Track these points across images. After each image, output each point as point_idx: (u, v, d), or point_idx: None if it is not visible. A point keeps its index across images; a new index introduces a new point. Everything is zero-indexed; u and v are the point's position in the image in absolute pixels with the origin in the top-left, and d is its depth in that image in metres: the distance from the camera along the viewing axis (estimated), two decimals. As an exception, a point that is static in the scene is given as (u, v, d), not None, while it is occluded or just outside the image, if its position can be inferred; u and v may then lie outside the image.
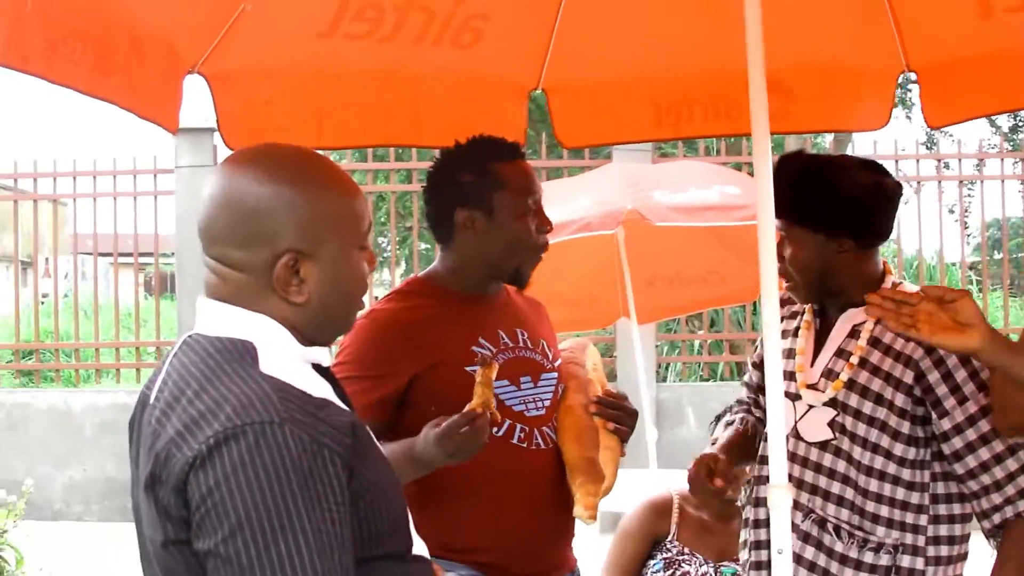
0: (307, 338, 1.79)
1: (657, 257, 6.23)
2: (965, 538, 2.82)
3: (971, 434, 2.70)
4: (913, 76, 3.64)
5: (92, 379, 10.51)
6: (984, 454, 2.69)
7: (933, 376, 2.72)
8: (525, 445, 2.85)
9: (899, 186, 2.90)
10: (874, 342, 2.81)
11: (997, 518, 2.70)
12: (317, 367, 1.82)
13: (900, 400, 2.75)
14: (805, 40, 3.53)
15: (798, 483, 2.84)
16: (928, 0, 3.39)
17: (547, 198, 5.81)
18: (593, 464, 2.81)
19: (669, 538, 3.78)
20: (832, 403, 2.83)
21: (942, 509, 2.79)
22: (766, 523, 2.78)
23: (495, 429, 2.78)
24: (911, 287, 2.86)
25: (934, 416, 2.73)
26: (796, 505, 2.80)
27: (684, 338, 10.29)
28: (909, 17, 3.44)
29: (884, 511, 2.77)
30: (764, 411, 2.90)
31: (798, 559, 2.81)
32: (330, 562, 1.56)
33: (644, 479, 5.36)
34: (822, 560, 2.81)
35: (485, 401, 2.55)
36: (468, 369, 2.74)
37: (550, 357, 3.02)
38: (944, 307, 2.45)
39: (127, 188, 9.88)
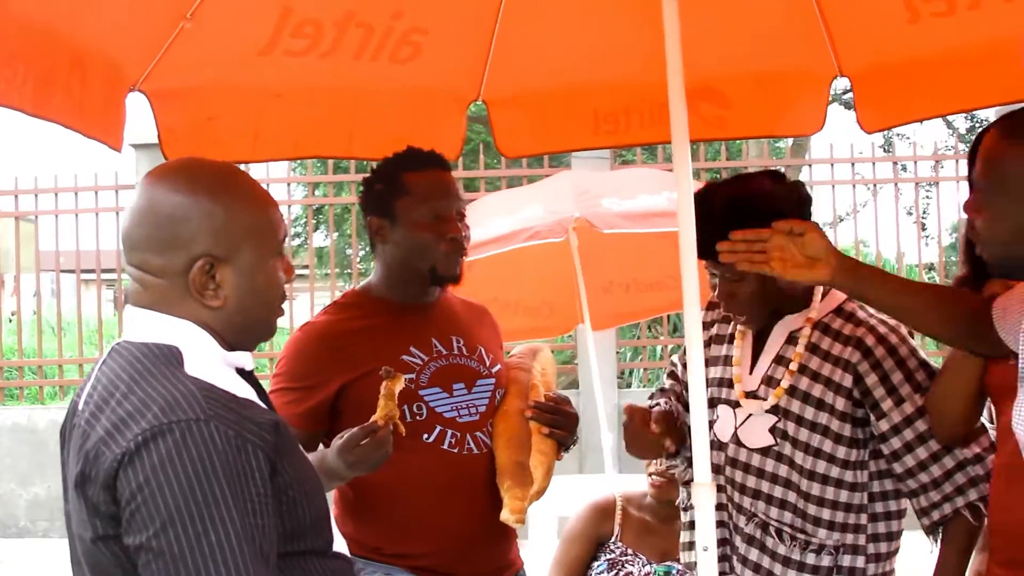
0: (228, 343, 1.86)
1: (612, 263, 6.28)
2: (900, 534, 2.89)
3: (908, 434, 2.77)
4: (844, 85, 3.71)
5: (57, 396, 10.49)
6: (922, 453, 2.76)
7: (871, 379, 2.78)
8: (456, 450, 2.90)
9: (804, 187, 2.95)
10: (812, 348, 2.86)
11: (936, 515, 2.78)
12: (241, 372, 1.89)
13: (841, 404, 2.81)
14: (740, 48, 3.60)
15: (741, 488, 2.90)
16: (858, 6, 3.45)
17: (499, 207, 5.86)
18: (522, 468, 2.85)
19: (612, 539, 3.83)
20: (773, 409, 2.87)
21: (879, 507, 2.86)
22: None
23: (425, 435, 2.84)
24: (839, 294, 2.93)
25: (872, 418, 2.80)
26: (740, 509, 2.89)
27: (646, 344, 10.33)
28: (840, 23, 3.51)
29: (826, 513, 2.82)
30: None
31: (743, 561, 2.88)
32: (255, 551, 1.61)
33: (602, 484, 5.40)
34: (766, 562, 2.86)
35: (388, 414, 2.59)
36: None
37: (487, 363, 3.06)
38: (794, 241, 2.47)
39: (89, 204, 9.87)
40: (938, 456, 2.76)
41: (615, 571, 3.76)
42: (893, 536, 2.88)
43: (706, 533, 2.60)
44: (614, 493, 4.04)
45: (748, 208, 2.75)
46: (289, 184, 10.11)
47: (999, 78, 3.34)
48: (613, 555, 3.78)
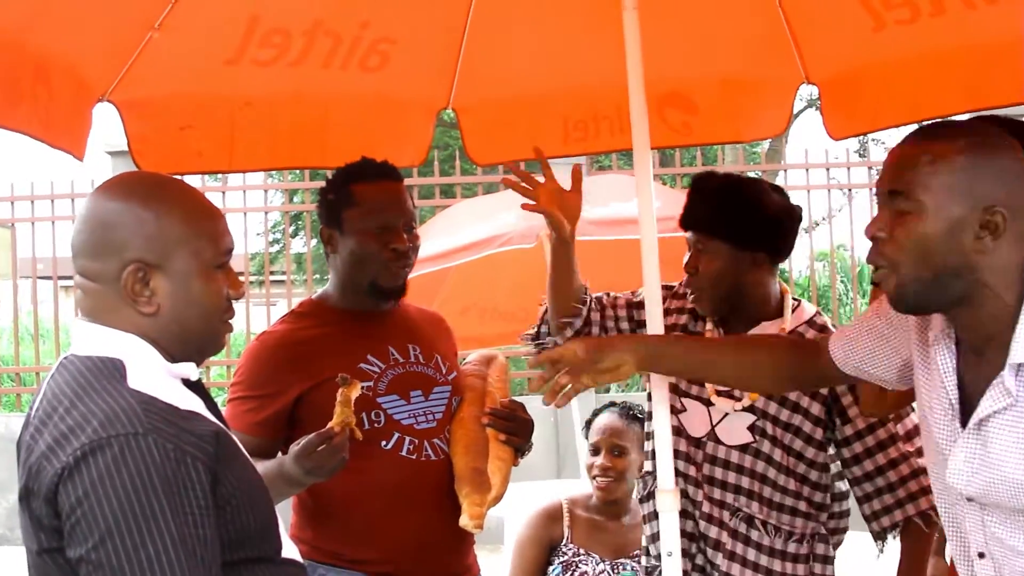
0: (170, 354, 1.88)
1: (587, 270, 6.28)
2: (846, 529, 3.07)
3: (870, 440, 2.91)
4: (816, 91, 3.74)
5: (35, 404, 10.45)
6: (880, 459, 2.90)
7: (840, 386, 2.87)
8: (415, 457, 2.92)
9: (800, 211, 3.06)
10: None
11: (886, 520, 2.91)
12: (187, 382, 1.90)
13: (816, 409, 2.92)
14: (707, 55, 3.64)
15: (721, 484, 2.98)
16: (823, 14, 3.48)
17: (473, 214, 5.87)
18: (480, 474, 2.88)
19: (564, 542, 3.86)
20: (751, 409, 2.96)
21: (836, 506, 3.02)
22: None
23: (383, 442, 2.86)
24: (810, 306, 3.06)
25: (838, 422, 2.93)
26: (723, 505, 2.97)
27: (625, 348, 10.32)
28: (805, 31, 3.54)
29: (801, 505, 2.94)
30: None
31: (731, 555, 2.96)
32: (194, 562, 1.64)
33: (577, 489, 5.41)
34: (751, 555, 2.94)
35: (345, 420, 2.61)
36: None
37: (444, 371, 3.08)
38: (593, 357, 2.47)
39: (66, 211, 9.86)
40: (895, 462, 2.89)
41: (570, 572, 3.79)
42: (842, 530, 3.06)
43: (671, 538, 2.64)
44: (559, 497, 4.08)
45: (738, 194, 2.95)
46: (266, 191, 10.09)
47: (966, 85, 3.37)
48: (566, 556, 3.81)
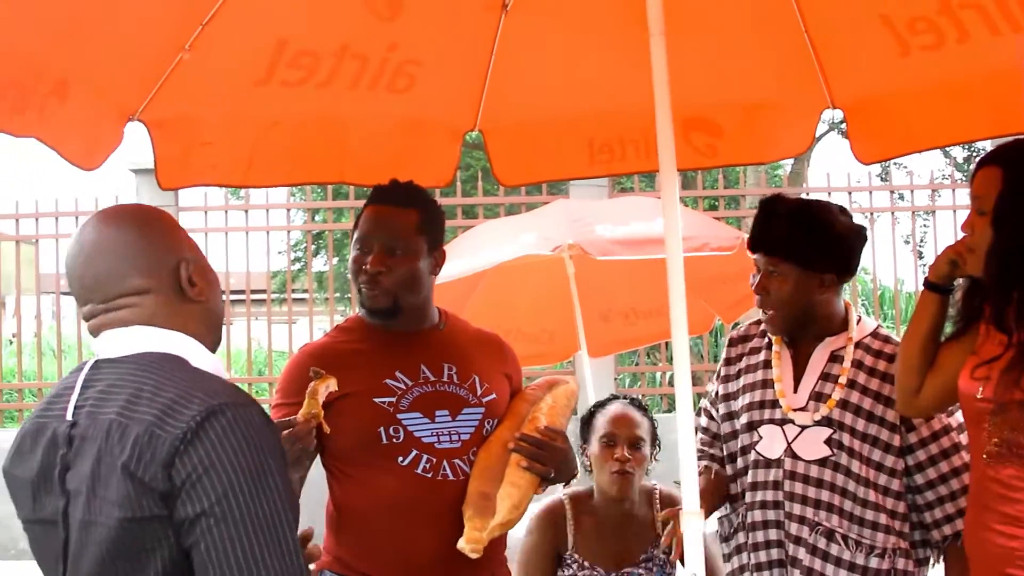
0: (208, 346, 2.06)
1: (610, 291, 6.30)
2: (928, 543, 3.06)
3: (933, 448, 2.97)
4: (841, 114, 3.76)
5: (56, 419, 10.47)
6: (944, 467, 2.96)
7: None
8: (431, 475, 2.92)
9: (866, 231, 3.15)
10: (857, 364, 3.04)
11: (948, 529, 2.97)
12: None
13: (891, 416, 2.98)
14: (732, 79, 3.66)
15: (802, 499, 3.02)
16: (848, 40, 3.50)
17: (494, 235, 5.89)
18: (486, 499, 2.87)
19: (568, 552, 3.73)
20: (826, 422, 3.01)
21: (914, 516, 3.04)
22: (764, 545, 3.05)
23: (400, 458, 2.88)
24: (871, 320, 3.15)
25: (902, 429, 2.97)
26: (803, 520, 3.01)
27: (645, 370, 10.35)
28: (831, 56, 3.56)
29: (882, 519, 2.97)
30: (725, 445, 3.20)
31: (808, 572, 2.99)
32: (291, 516, 1.82)
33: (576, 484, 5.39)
34: (830, 570, 2.97)
35: (313, 412, 2.68)
36: (376, 401, 2.89)
37: (479, 392, 3.06)
38: None
39: (90, 228, 9.90)
40: (959, 471, 2.93)
41: None
42: (927, 544, 3.05)
43: (695, 559, 2.65)
44: (560, 496, 3.89)
45: (808, 217, 3.03)
46: (288, 210, 10.14)
47: (992, 110, 3.40)
48: (572, 570, 3.71)
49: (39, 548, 2.02)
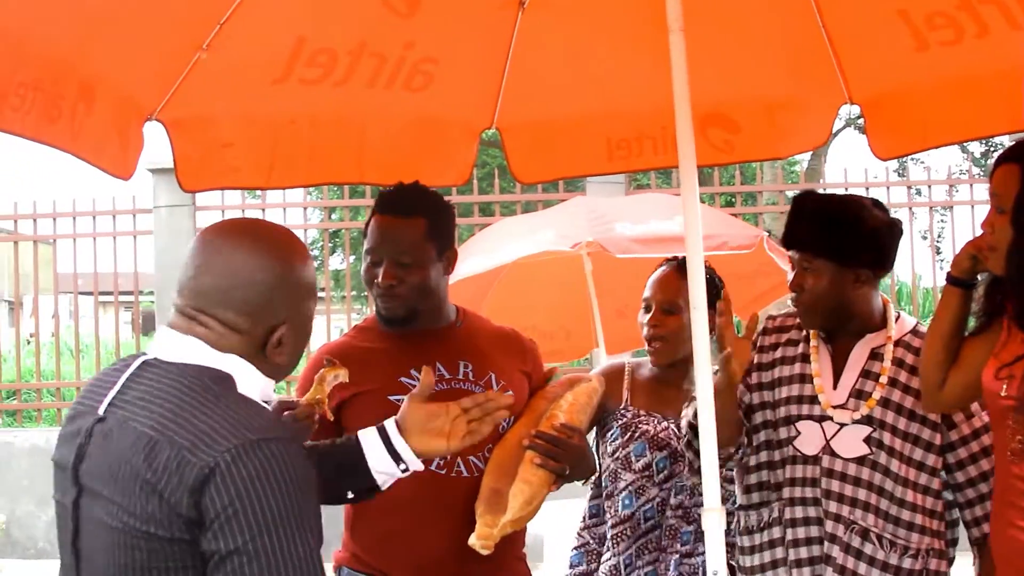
0: (267, 376, 2.02)
1: (627, 288, 6.28)
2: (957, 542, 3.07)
3: (975, 445, 2.97)
4: (858, 110, 3.74)
5: (75, 418, 10.51)
6: (984, 464, 2.95)
7: None
8: (444, 472, 2.95)
9: (901, 224, 3.13)
10: (898, 363, 3.02)
11: (976, 532, 2.97)
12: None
13: (932, 414, 2.96)
14: (749, 75, 3.65)
15: (839, 497, 3.00)
16: (866, 35, 3.48)
17: (512, 233, 5.89)
18: (497, 495, 2.87)
19: (623, 405, 3.58)
20: (867, 420, 2.99)
21: (950, 515, 3.04)
22: (804, 541, 3.03)
23: None
24: (910, 317, 3.14)
25: (943, 427, 2.97)
26: (839, 519, 2.99)
27: (662, 366, 10.30)
28: (848, 52, 3.54)
29: (918, 519, 2.96)
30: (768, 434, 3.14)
31: (841, 570, 2.97)
32: (318, 555, 1.81)
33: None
34: (863, 569, 2.96)
35: (318, 397, 2.68)
36: (391, 398, 2.88)
37: (495, 389, 3.03)
38: None
39: (107, 228, 9.96)
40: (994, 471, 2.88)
41: (630, 433, 3.52)
42: (956, 543, 3.06)
43: (716, 556, 2.63)
44: (624, 361, 3.77)
45: (841, 212, 3.01)
46: (305, 208, 10.16)
47: (1011, 106, 3.36)
48: (625, 418, 3.54)
49: (58, 529, 2.02)
